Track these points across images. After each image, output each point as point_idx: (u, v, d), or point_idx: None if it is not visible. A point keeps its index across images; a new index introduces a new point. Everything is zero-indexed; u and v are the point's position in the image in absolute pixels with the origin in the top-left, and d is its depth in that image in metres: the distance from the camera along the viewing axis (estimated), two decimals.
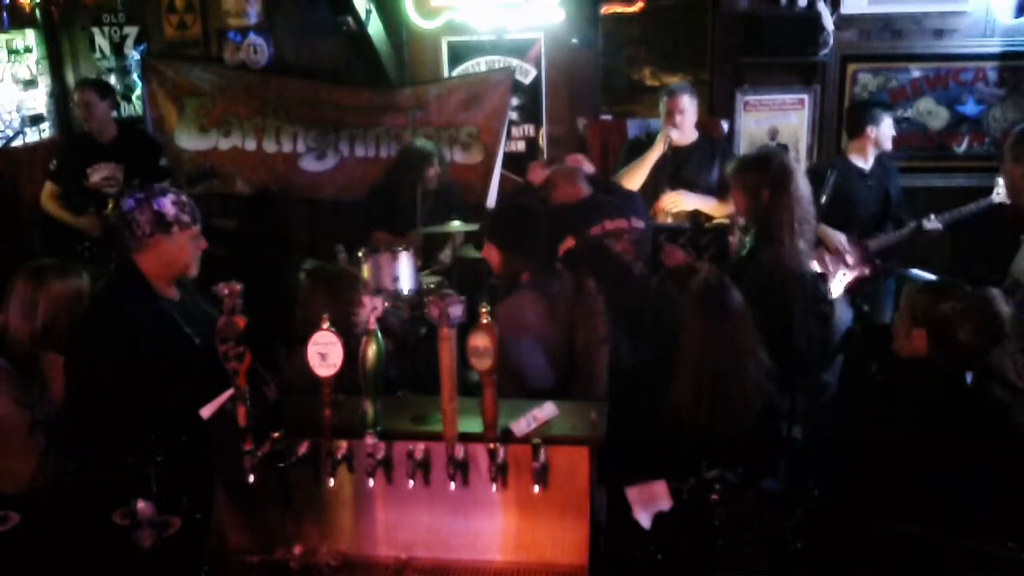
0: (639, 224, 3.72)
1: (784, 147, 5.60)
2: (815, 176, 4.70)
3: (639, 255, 3.66)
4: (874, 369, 2.85)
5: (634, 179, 4.52)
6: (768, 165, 3.45)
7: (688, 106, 4.54)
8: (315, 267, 3.33)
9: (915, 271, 4.84)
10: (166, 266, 2.78)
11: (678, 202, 4.47)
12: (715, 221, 4.51)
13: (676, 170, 4.53)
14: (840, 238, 4.46)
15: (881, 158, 4.70)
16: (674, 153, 4.56)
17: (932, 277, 4.67)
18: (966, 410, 2.51)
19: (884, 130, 4.59)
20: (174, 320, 2.78)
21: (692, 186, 4.56)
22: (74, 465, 2.73)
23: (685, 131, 4.56)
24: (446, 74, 5.82)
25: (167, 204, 2.73)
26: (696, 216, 4.48)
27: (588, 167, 4.32)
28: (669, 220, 4.43)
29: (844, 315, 4.54)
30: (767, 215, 3.37)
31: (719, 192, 4.54)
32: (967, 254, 4.98)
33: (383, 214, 4.88)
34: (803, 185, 3.40)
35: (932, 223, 4.42)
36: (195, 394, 2.25)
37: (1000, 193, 4.36)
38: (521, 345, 2.95)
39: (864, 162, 4.65)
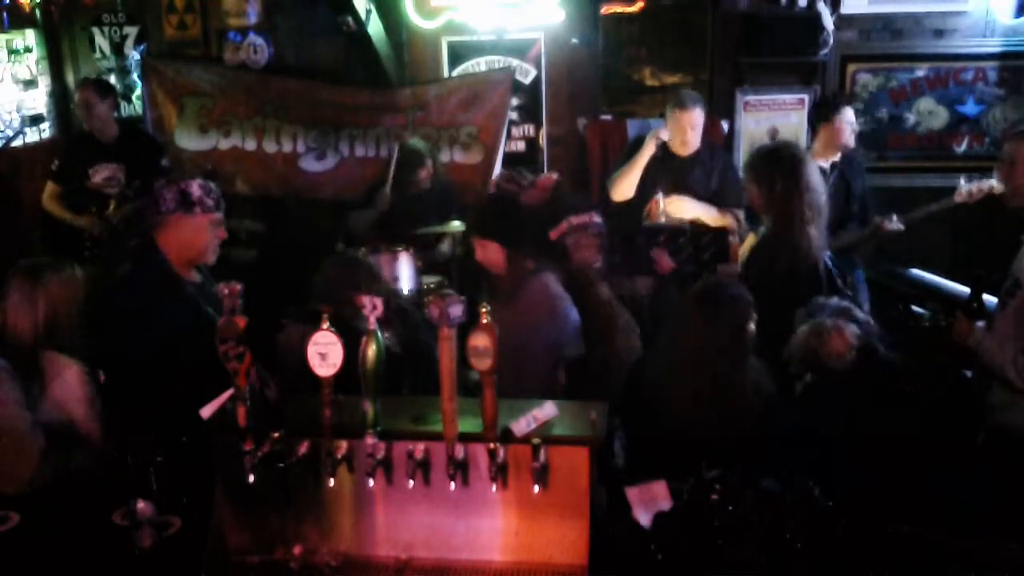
0: (598, 219, 3.82)
1: None
2: None
3: (600, 249, 3.77)
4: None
5: (627, 180, 4.50)
6: (780, 155, 3.52)
7: (699, 121, 4.46)
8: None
9: (915, 271, 4.84)
10: (184, 247, 2.85)
11: (681, 207, 4.43)
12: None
13: (677, 179, 4.50)
14: None
15: (846, 156, 4.57)
16: (674, 161, 4.53)
17: (933, 277, 4.69)
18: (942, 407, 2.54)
19: (846, 116, 4.45)
20: (196, 299, 2.84)
21: (692, 191, 4.53)
22: (87, 463, 2.76)
23: (693, 145, 4.52)
24: (446, 74, 5.82)
25: (194, 186, 2.86)
26: (694, 220, 4.47)
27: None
28: (663, 219, 4.41)
29: None
30: (780, 204, 3.42)
31: (718, 200, 4.51)
32: (967, 254, 4.98)
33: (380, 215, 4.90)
34: (815, 175, 3.46)
35: (893, 224, 4.34)
36: (201, 388, 2.26)
37: (962, 193, 4.32)
38: (562, 316, 3.17)
39: (825, 161, 4.56)
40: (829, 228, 4.43)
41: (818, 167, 4.46)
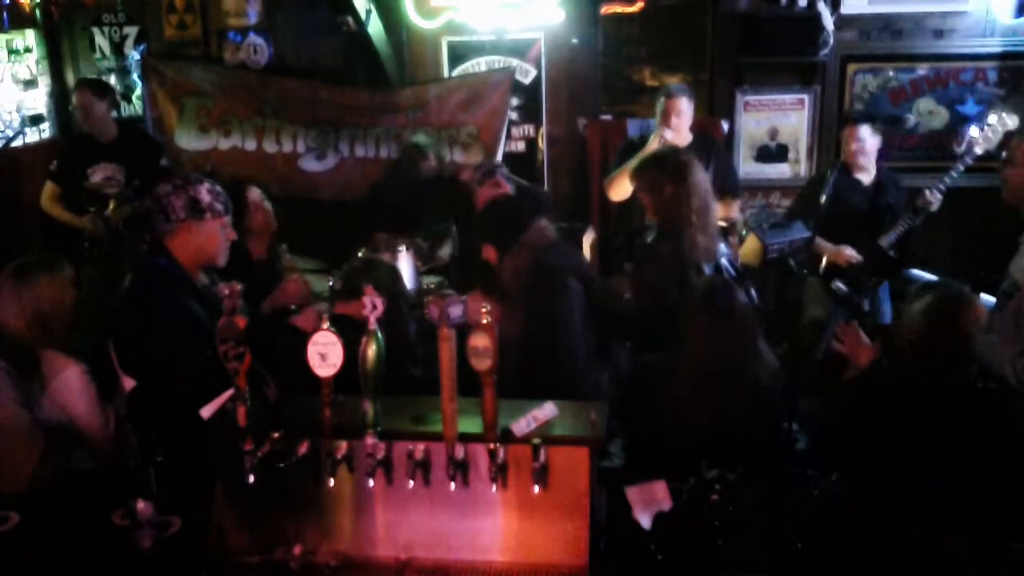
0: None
1: (784, 147, 5.62)
2: (819, 178, 4.71)
3: None
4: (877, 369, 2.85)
5: (627, 181, 4.51)
6: (666, 161, 3.60)
7: (686, 108, 4.54)
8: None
9: (915, 271, 4.84)
10: (196, 253, 2.82)
11: None
12: None
13: None
14: (847, 251, 4.49)
15: (883, 171, 4.67)
16: None
17: (931, 277, 4.69)
18: (963, 409, 2.51)
19: (862, 132, 4.53)
20: (209, 299, 2.81)
21: None
22: (87, 463, 2.76)
23: (681, 133, 4.56)
24: (446, 74, 5.82)
25: (203, 191, 2.79)
26: None
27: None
28: None
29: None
30: (669, 209, 3.46)
31: (715, 191, 4.53)
32: (966, 255, 4.98)
33: (383, 213, 4.90)
34: (701, 178, 3.51)
35: (933, 196, 4.39)
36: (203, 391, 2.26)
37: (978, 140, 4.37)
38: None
39: (864, 175, 4.63)
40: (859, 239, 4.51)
41: (854, 179, 4.55)
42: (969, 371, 2.62)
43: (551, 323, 3.07)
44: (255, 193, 3.67)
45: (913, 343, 2.61)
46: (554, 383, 2.78)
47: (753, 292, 3.54)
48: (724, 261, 3.57)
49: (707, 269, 3.46)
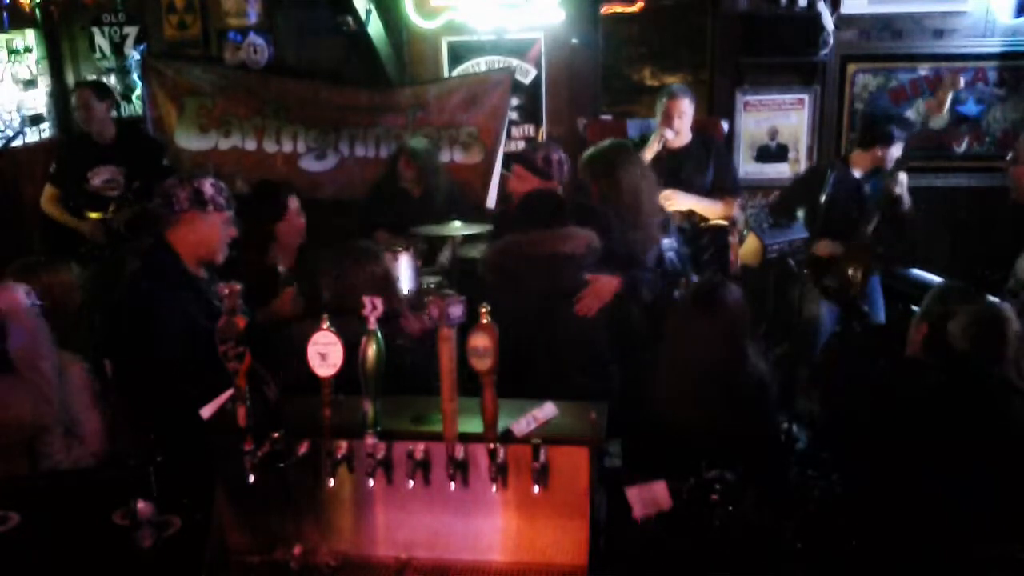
0: None
1: (784, 147, 5.62)
2: (815, 175, 4.71)
3: None
4: (876, 368, 2.85)
5: None
6: (596, 159, 3.65)
7: (688, 109, 4.55)
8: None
9: (915, 271, 4.84)
10: (196, 245, 2.86)
11: (673, 201, 4.45)
12: (711, 222, 4.50)
13: (671, 172, 4.51)
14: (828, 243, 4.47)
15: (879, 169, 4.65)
16: (669, 155, 4.55)
17: (931, 277, 4.69)
18: (967, 410, 2.50)
19: (892, 152, 4.48)
20: (207, 295, 2.84)
21: (687, 187, 4.53)
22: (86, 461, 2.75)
23: (682, 134, 4.57)
24: (446, 74, 5.82)
25: (206, 184, 2.88)
26: (692, 216, 4.48)
27: None
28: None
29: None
30: (605, 204, 3.51)
31: (713, 193, 4.53)
32: (969, 255, 4.98)
33: (382, 213, 4.90)
34: (630, 174, 3.54)
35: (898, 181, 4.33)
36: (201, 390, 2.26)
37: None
38: None
39: (861, 172, 4.61)
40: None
41: (853, 178, 4.52)
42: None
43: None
44: (295, 202, 3.69)
45: (949, 354, 2.52)
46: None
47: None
48: (671, 255, 3.57)
49: (649, 260, 3.47)
